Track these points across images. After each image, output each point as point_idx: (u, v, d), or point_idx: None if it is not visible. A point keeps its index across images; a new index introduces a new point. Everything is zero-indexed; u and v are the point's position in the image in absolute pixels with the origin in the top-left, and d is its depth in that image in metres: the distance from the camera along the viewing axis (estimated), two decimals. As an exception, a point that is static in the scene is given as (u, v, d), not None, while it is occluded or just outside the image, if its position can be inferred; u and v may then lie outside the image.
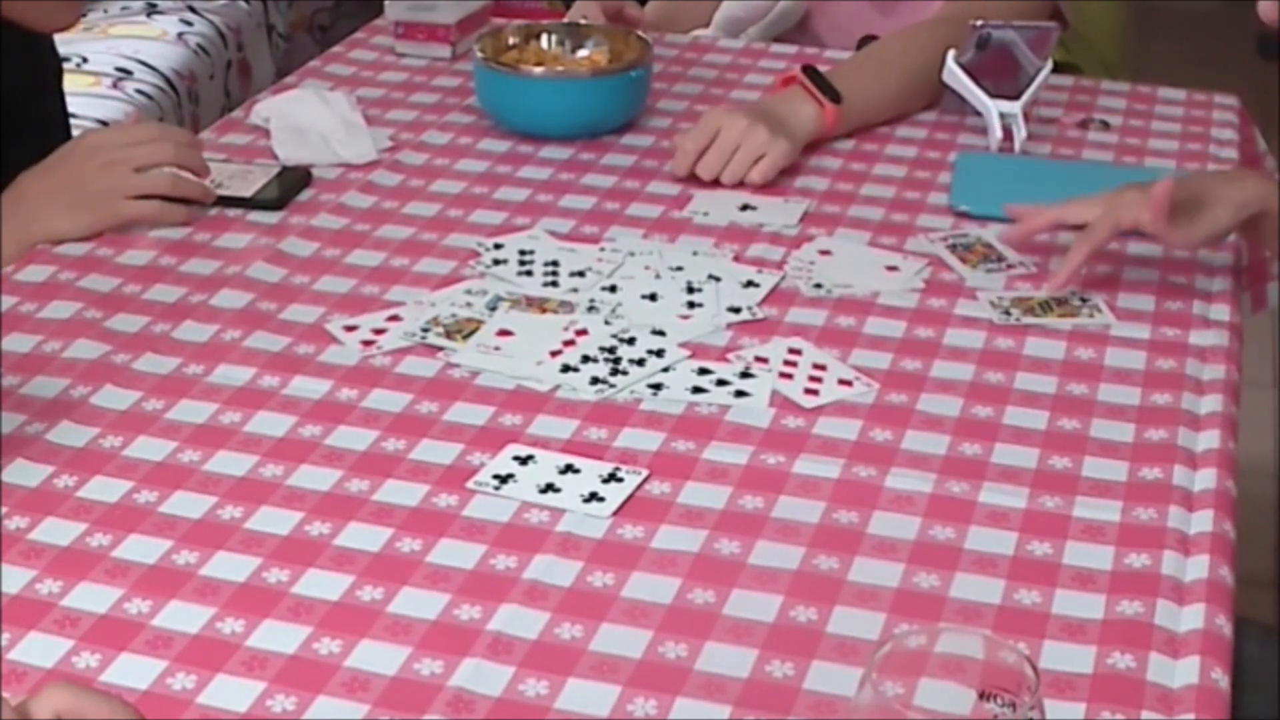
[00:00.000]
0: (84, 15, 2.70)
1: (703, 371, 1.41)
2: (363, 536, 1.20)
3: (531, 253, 1.61)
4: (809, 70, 1.87)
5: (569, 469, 1.27)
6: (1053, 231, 1.62)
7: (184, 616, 1.11)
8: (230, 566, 1.16)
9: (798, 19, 2.27)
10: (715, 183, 1.77)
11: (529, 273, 1.57)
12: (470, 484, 1.26)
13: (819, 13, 2.25)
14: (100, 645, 1.08)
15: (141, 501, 1.23)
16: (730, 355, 1.44)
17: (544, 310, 1.51)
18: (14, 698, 0.90)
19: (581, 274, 1.56)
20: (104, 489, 1.24)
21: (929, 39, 1.96)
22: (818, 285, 1.56)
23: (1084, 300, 1.55)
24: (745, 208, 1.72)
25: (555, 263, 1.59)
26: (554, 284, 1.55)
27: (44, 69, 1.89)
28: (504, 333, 1.47)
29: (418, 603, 1.13)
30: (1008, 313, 1.52)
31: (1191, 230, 1.54)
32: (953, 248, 1.65)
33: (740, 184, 1.76)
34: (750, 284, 1.55)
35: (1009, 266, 1.61)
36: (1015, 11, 1.96)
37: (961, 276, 1.59)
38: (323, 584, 1.14)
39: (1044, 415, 1.36)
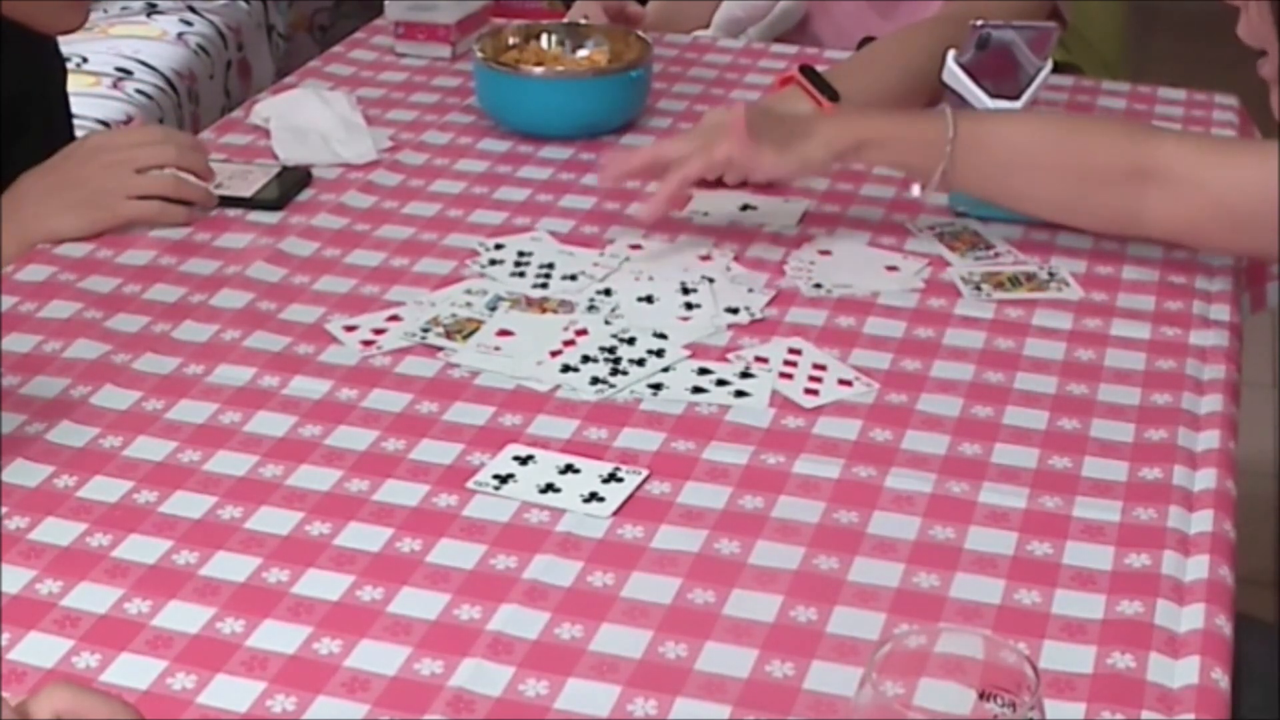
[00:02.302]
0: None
1: (703, 371, 1.41)
2: (363, 536, 1.20)
3: (530, 254, 1.61)
4: (807, 70, 1.87)
5: (569, 469, 1.27)
6: (651, 174, 1.65)
7: (184, 616, 1.11)
8: (230, 566, 1.16)
9: (798, 20, 2.27)
10: (716, 183, 1.76)
11: (521, 274, 1.57)
12: (470, 484, 1.26)
13: (819, 13, 2.25)
14: (100, 645, 1.08)
15: (141, 501, 1.23)
16: (730, 355, 1.44)
17: (544, 310, 1.51)
18: (13, 698, 0.90)
19: (574, 278, 1.56)
20: (104, 489, 1.24)
21: (928, 39, 1.96)
22: (818, 285, 1.56)
23: (1051, 275, 1.58)
24: (745, 208, 1.72)
25: (550, 265, 1.58)
26: (544, 286, 1.55)
27: (48, 71, 1.89)
28: (504, 333, 1.47)
29: (418, 603, 1.13)
30: (978, 288, 1.56)
31: (781, 158, 1.59)
32: (940, 236, 1.66)
33: (741, 184, 1.76)
34: (749, 290, 1.55)
35: (997, 255, 1.62)
36: (1014, 11, 1.96)
37: (950, 264, 1.61)
38: (323, 584, 1.14)
39: (1044, 415, 1.36)
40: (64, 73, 1.94)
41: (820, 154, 1.60)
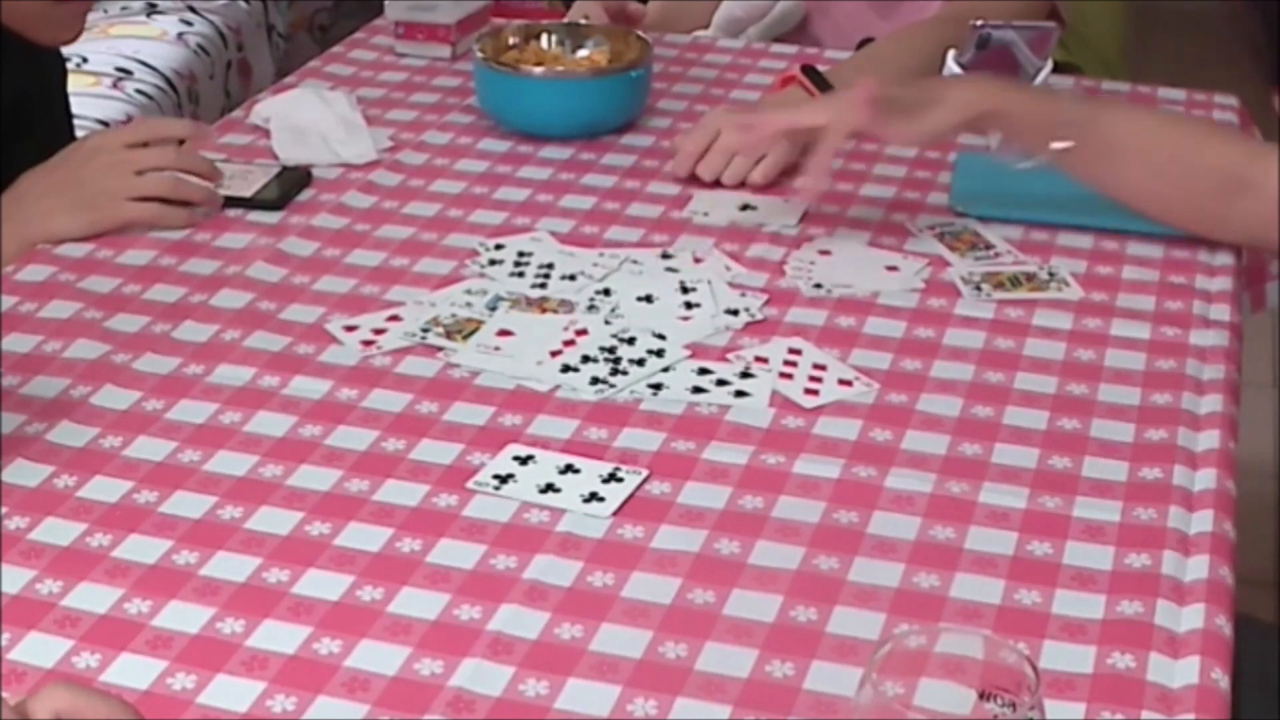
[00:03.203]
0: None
1: (703, 371, 1.41)
2: (363, 536, 1.20)
3: (529, 254, 1.61)
4: (808, 70, 1.87)
5: (569, 469, 1.27)
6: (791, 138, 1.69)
7: (184, 616, 1.11)
8: (230, 566, 1.16)
9: (798, 20, 2.27)
10: (716, 183, 1.77)
11: (521, 274, 1.57)
12: (470, 484, 1.26)
13: (819, 14, 2.25)
14: (100, 645, 1.08)
15: (141, 501, 1.23)
16: (730, 355, 1.44)
17: (544, 310, 1.51)
18: (13, 698, 0.90)
19: (573, 278, 1.56)
20: (104, 489, 1.24)
21: (927, 39, 1.96)
22: (818, 285, 1.56)
23: (1052, 275, 1.59)
24: (745, 207, 1.72)
25: (550, 265, 1.59)
26: (543, 286, 1.55)
27: (49, 73, 1.89)
28: (504, 333, 1.47)
29: (418, 603, 1.13)
30: (978, 288, 1.56)
31: (911, 126, 1.61)
32: (941, 236, 1.66)
33: (741, 184, 1.76)
34: (749, 290, 1.55)
35: (997, 255, 1.62)
36: (1014, 11, 1.96)
37: (950, 264, 1.61)
38: (323, 584, 1.14)
39: (1044, 415, 1.36)
40: (64, 74, 1.94)
41: (949, 121, 1.61)
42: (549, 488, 1.25)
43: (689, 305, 1.52)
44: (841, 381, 1.41)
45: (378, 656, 1.08)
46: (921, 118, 1.61)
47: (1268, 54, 1.28)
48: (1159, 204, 1.63)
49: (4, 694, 0.92)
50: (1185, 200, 1.62)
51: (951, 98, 1.62)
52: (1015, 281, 1.58)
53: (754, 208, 1.72)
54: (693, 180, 1.77)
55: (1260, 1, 1.27)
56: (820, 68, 1.89)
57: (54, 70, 1.91)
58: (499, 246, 1.63)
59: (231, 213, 1.69)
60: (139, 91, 2.81)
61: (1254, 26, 1.29)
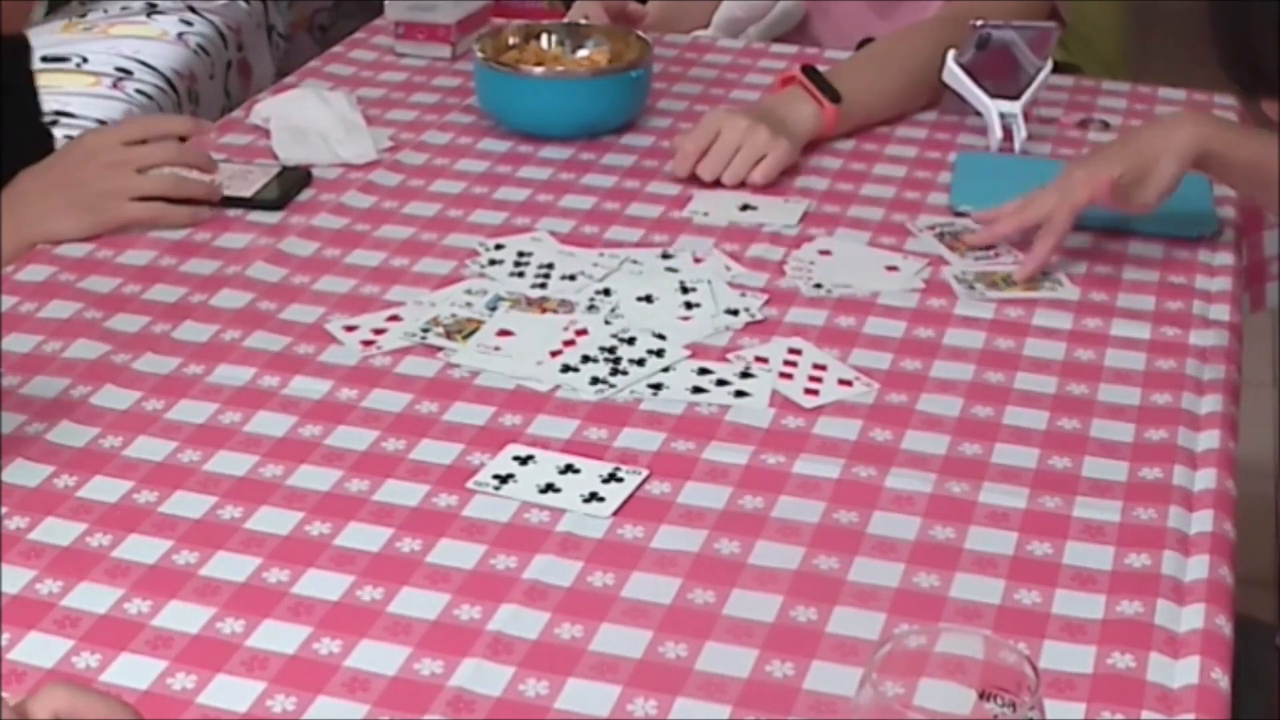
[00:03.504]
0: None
1: (703, 371, 1.41)
2: (363, 536, 1.20)
3: (529, 254, 1.61)
4: (808, 70, 1.87)
5: (569, 469, 1.27)
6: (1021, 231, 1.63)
7: (184, 616, 1.11)
8: (230, 566, 1.16)
9: (797, 20, 2.27)
10: (716, 183, 1.77)
11: (521, 274, 1.57)
12: (470, 484, 1.26)
13: (819, 14, 2.25)
14: (100, 645, 1.08)
15: (141, 501, 1.23)
16: (730, 355, 1.44)
17: (544, 310, 1.51)
18: (12, 698, 0.90)
19: (573, 278, 1.56)
20: (104, 489, 1.24)
21: (928, 39, 1.96)
22: (818, 285, 1.56)
23: (1046, 274, 1.59)
24: (745, 208, 1.72)
25: (550, 265, 1.59)
26: (543, 286, 1.55)
27: (12, 62, 1.86)
28: (504, 333, 1.47)
29: (418, 603, 1.13)
30: (972, 287, 1.57)
31: (1144, 194, 1.58)
32: (941, 236, 1.66)
33: (741, 184, 1.76)
34: (745, 294, 1.55)
35: (997, 254, 1.62)
36: (1013, 12, 1.96)
37: (949, 264, 1.61)
38: (323, 584, 1.14)
39: (1044, 415, 1.36)
40: (28, 62, 1.91)
41: (1173, 174, 1.58)
42: (549, 488, 1.25)
43: (689, 305, 1.52)
44: (841, 381, 1.41)
45: (378, 656, 1.08)
46: (1149, 185, 1.58)
47: (1238, 62, 1.26)
48: None
49: (4, 694, 0.92)
50: None
51: (1168, 151, 1.57)
52: (1009, 281, 1.58)
53: (754, 208, 1.72)
54: (693, 180, 1.77)
55: (1231, 3, 1.25)
56: (820, 68, 1.89)
57: (19, 59, 1.88)
58: (499, 246, 1.63)
59: (231, 213, 1.69)
60: (139, 91, 2.81)
61: (1226, 34, 1.28)
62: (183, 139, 1.71)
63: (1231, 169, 1.60)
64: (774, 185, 1.77)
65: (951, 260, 1.62)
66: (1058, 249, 1.59)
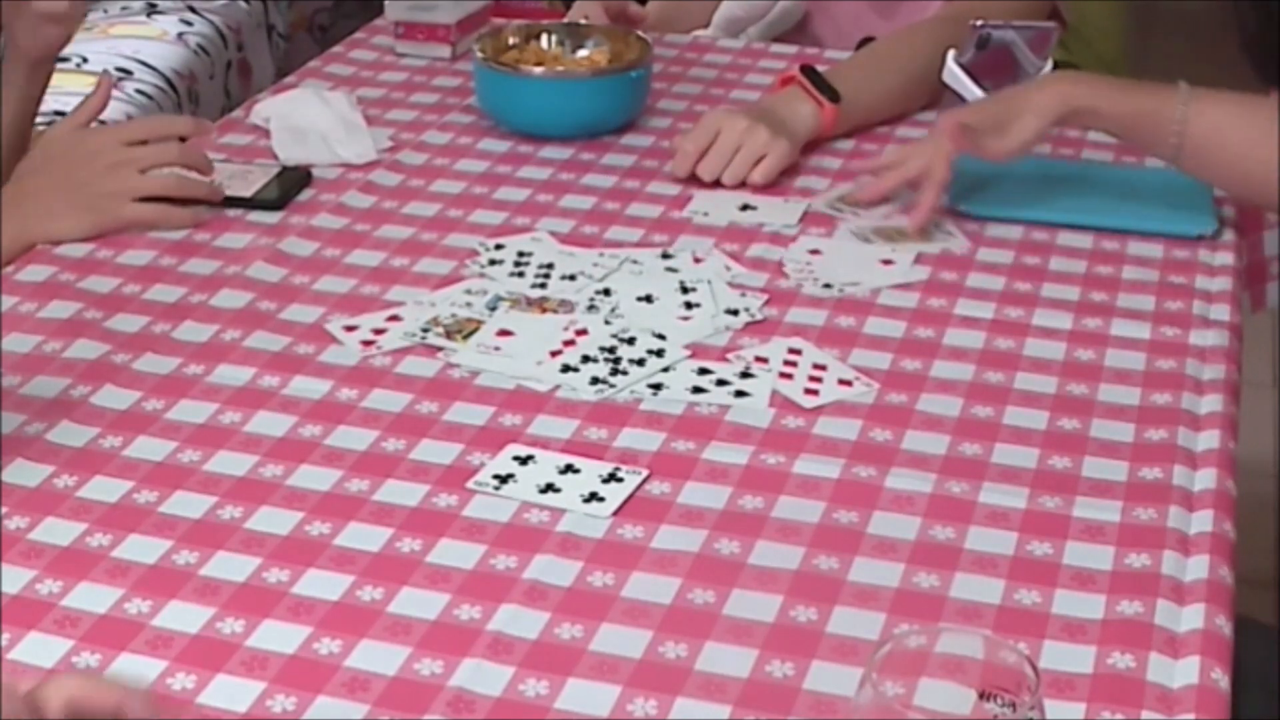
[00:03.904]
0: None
1: (703, 371, 1.41)
2: (363, 536, 1.20)
3: (529, 254, 1.61)
4: (807, 70, 1.87)
5: (569, 469, 1.27)
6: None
7: (184, 616, 1.11)
8: (230, 566, 1.16)
9: (797, 19, 2.27)
10: (716, 183, 1.77)
11: (521, 274, 1.57)
12: (470, 484, 1.26)
13: (819, 13, 2.25)
14: (100, 645, 1.08)
15: (141, 501, 1.23)
16: (730, 355, 1.44)
17: (544, 310, 1.51)
18: (22, 686, 0.90)
19: (573, 278, 1.56)
20: (104, 489, 1.24)
21: (927, 39, 1.96)
22: (827, 285, 1.56)
23: (936, 225, 1.67)
24: (745, 208, 1.72)
25: (550, 265, 1.59)
26: (543, 286, 1.55)
27: None
28: (504, 333, 1.47)
29: (418, 603, 1.13)
30: (868, 240, 1.65)
31: (1001, 143, 1.64)
32: (836, 206, 1.73)
33: (741, 184, 1.76)
34: (745, 294, 1.55)
35: (887, 216, 1.70)
36: (1014, 12, 1.96)
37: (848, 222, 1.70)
38: (323, 584, 1.14)
39: (1044, 415, 1.36)
40: None
41: (1035, 131, 1.64)
42: (549, 488, 1.25)
43: (689, 305, 1.52)
44: (841, 381, 1.41)
45: (378, 656, 1.08)
46: (1012, 131, 1.63)
47: (1266, 54, 1.27)
48: (1264, 197, 1.64)
49: (13, 681, 0.91)
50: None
51: (1036, 103, 1.64)
52: (902, 234, 1.66)
53: (754, 208, 1.72)
54: (693, 181, 1.77)
55: (1260, 1, 1.26)
56: (820, 68, 1.89)
57: None
58: (499, 246, 1.63)
59: (231, 213, 1.69)
60: (139, 91, 2.81)
61: (1252, 27, 1.28)
62: (183, 139, 1.71)
63: (1108, 121, 1.66)
64: (774, 185, 1.77)
65: (850, 219, 1.69)
66: (942, 197, 1.67)
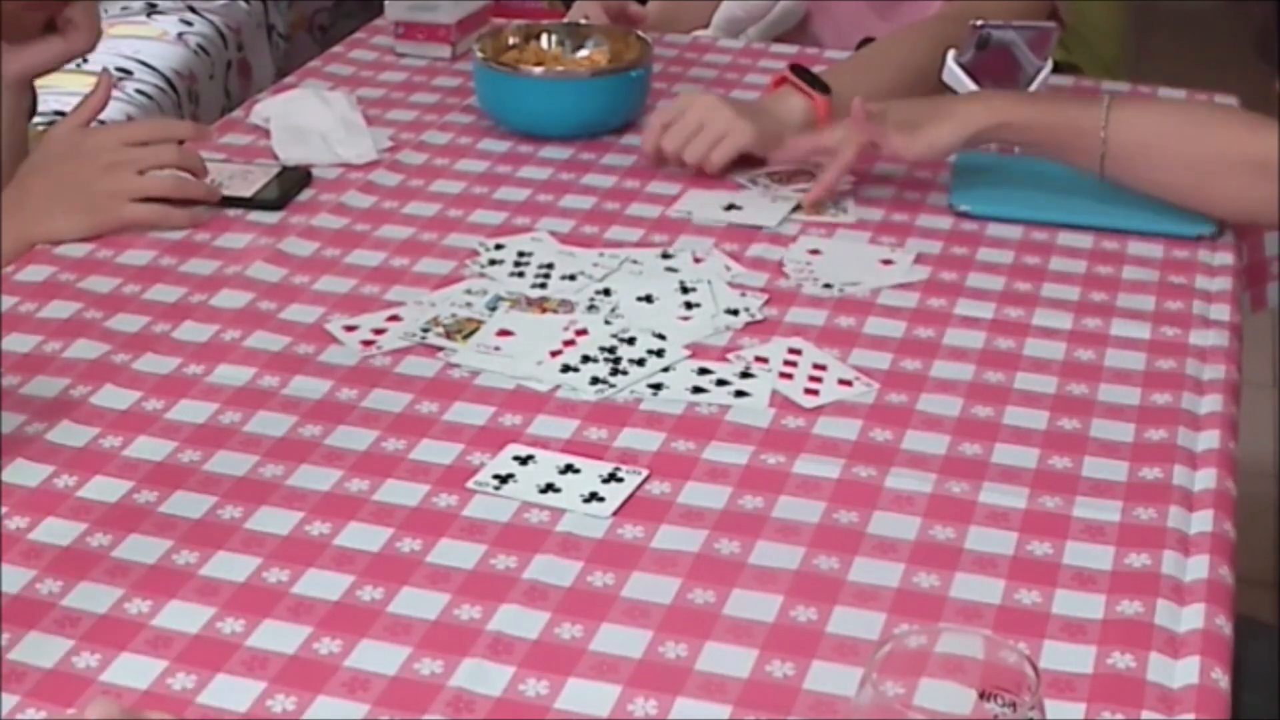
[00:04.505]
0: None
1: (703, 371, 1.41)
2: (363, 536, 1.20)
3: (529, 254, 1.61)
4: (798, 69, 1.88)
5: (569, 469, 1.27)
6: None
7: (184, 616, 1.11)
8: (230, 566, 1.16)
9: (798, 20, 2.27)
10: (705, 184, 1.77)
11: (521, 274, 1.57)
12: (470, 484, 1.26)
13: (819, 14, 2.25)
14: (100, 645, 1.08)
15: (141, 501, 1.23)
16: (730, 355, 1.44)
17: (544, 310, 1.51)
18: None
19: (573, 278, 1.56)
20: (104, 489, 1.24)
21: (927, 39, 1.96)
22: (827, 285, 1.56)
23: (834, 202, 1.73)
24: (730, 207, 1.72)
25: (550, 265, 1.59)
26: (543, 286, 1.55)
27: None
28: (504, 333, 1.47)
29: (418, 603, 1.13)
30: (765, 189, 1.72)
31: (909, 143, 1.66)
32: (762, 183, 1.77)
33: (734, 184, 1.77)
34: (745, 294, 1.55)
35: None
36: (1014, 12, 1.96)
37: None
38: (323, 584, 1.14)
39: (1044, 415, 1.36)
40: None
41: (950, 137, 1.65)
42: (549, 488, 1.25)
43: (689, 305, 1.52)
44: (841, 381, 1.41)
45: (378, 656, 1.08)
46: (925, 132, 1.65)
47: (1271, 45, 1.28)
48: (1189, 198, 1.64)
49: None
50: (1210, 192, 1.63)
51: (959, 112, 1.65)
52: (796, 208, 1.72)
53: (739, 207, 1.73)
54: (691, 180, 1.77)
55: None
56: (818, 68, 1.89)
57: None
58: (499, 246, 1.63)
59: (231, 213, 1.69)
60: (139, 91, 2.81)
61: (1259, 18, 1.29)
62: (180, 142, 1.71)
63: (1033, 133, 1.66)
64: (770, 187, 1.77)
65: (764, 188, 1.76)
66: (842, 178, 1.71)
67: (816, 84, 1.85)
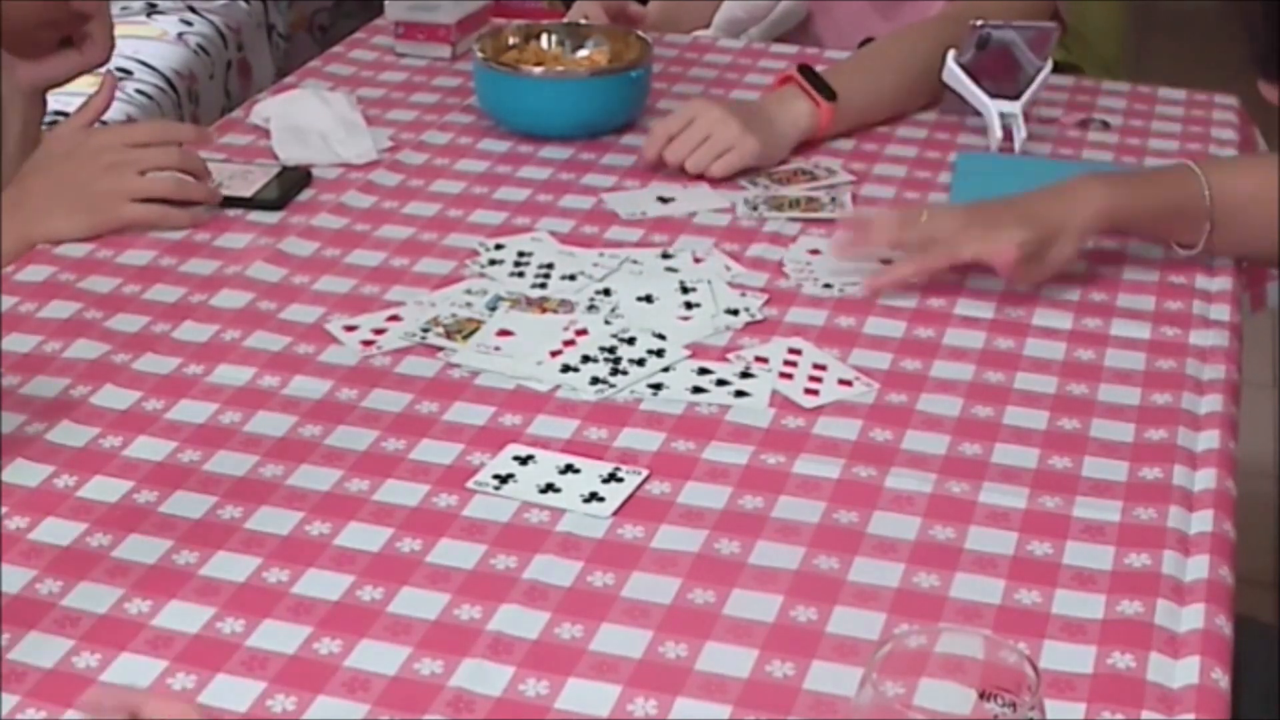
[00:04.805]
0: None
1: (703, 371, 1.41)
2: (363, 536, 1.20)
3: (529, 254, 1.61)
4: (804, 69, 1.87)
5: (569, 469, 1.27)
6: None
7: (184, 616, 1.11)
8: (230, 566, 1.16)
9: (799, 20, 2.27)
10: (640, 181, 1.77)
11: (521, 274, 1.57)
12: (470, 484, 1.26)
13: (820, 14, 2.25)
14: (100, 645, 1.08)
15: (141, 501, 1.23)
16: (730, 355, 1.44)
17: (544, 310, 1.51)
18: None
19: (573, 278, 1.56)
20: (104, 489, 1.24)
21: (925, 38, 1.97)
22: (827, 285, 1.56)
23: (833, 199, 1.72)
24: (662, 200, 1.73)
25: (550, 265, 1.59)
26: (543, 286, 1.55)
27: None
28: (504, 333, 1.47)
29: (418, 603, 1.13)
30: (755, 208, 1.70)
31: (1042, 270, 1.54)
32: (755, 206, 1.72)
33: (703, 177, 1.78)
34: (745, 294, 1.55)
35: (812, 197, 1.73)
36: (1015, 12, 1.96)
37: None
38: (323, 584, 1.14)
39: (1044, 415, 1.36)
40: None
41: (1073, 249, 1.54)
42: (549, 488, 1.25)
43: (689, 305, 1.52)
44: (841, 381, 1.41)
45: (378, 656, 1.08)
46: (1048, 259, 1.53)
47: (1257, 44, 1.26)
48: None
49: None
50: None
51: (1070, 223, 1.53)
52: (794, 204, 1.70)
53: (672, 199, 1.73)
54: (691, 181, 1.77)
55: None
56: (819, 68, 1.89)
57: None
58: (499, 246, 1.63)
59: (231, 213, 1.69)
60: (139, 91, 2.81)
61: (1259, 27, 1.28)
62: (180, 145, 1.71)
63: (1143, 222, 1.58)
64: (769, 187, 1.77)
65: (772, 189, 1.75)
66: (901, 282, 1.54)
67: (822, 88, 1.85)
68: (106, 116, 1.79)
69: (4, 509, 1.21)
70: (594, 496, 1.24)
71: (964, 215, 1.56)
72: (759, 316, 1.51)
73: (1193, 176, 1.57)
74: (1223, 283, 1.59)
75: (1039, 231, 1.52)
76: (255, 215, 1.69)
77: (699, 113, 1.79)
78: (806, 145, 1.85)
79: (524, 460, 1.28)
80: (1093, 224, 1.55)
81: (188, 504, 1.23)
